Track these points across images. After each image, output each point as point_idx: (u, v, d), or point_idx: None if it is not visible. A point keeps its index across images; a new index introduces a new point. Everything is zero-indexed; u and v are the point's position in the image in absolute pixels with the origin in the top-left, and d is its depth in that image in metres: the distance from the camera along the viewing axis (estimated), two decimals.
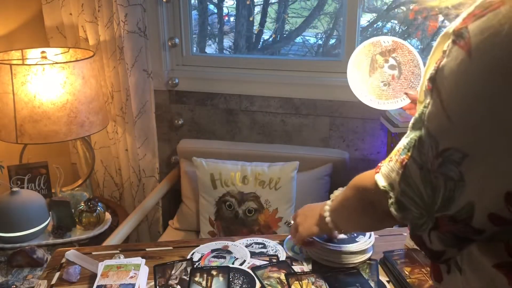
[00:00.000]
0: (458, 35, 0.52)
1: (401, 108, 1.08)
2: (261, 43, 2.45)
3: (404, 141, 0.64)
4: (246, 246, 1.23)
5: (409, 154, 0.62)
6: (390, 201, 0.68)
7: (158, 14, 2.09)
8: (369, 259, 1.13)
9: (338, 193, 1.00)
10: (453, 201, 0.56)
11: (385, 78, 1.08)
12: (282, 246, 1.22)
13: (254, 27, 2.39)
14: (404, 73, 1.07)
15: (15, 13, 2.07)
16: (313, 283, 1.05)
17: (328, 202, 1.00)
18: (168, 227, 2.09)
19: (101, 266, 1.07)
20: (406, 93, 1.05)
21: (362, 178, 0.84)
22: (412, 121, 0.62)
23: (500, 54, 0.48)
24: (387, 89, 1.07)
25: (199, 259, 1.17)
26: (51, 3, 2.06)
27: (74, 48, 2.01)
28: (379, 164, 0.73)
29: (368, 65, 1.09)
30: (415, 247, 1.15)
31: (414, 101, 1.04)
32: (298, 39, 2.39)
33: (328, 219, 0.99)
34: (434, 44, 0.61)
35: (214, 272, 1.09)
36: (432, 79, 0.56)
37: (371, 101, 1.07)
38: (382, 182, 0.70)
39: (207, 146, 2.12)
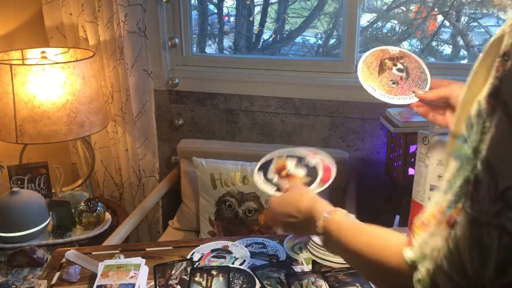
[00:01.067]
0: None
1: (409, 104, 1.09)
2: (261, 43, 2.45)
3: (445, 197, 0.51)
4: (246, 246, 1.23)
5: (460, 206, 0.49)
6: (417, 277, 0.54)
7: (158, 14, 2.08)
8: None
9: (340, 215, 0.82)
10: (511, 262, 0.47)
11: (393, 78, 1.10)
12: (282, 246, 1.22)
13: (254, 27, 2.39)
14: (412, 76, 1.10)
15: (15, 13, 2.07)
16: (313, 283, 1.05)
17: (322, 219, 0.82)
18: (168, 227, 2.09)
19: (101, 266, 1.08)
20: (414, 91, 1.06)
21: (387, 249, 0.63)
22: (454, 153, 0.51)
23: None
24: (396, 86, 1.09)
25: (199, 259, 1.17)
26: (51, 3, 2.06)
27: (74, 48, 2.01)
28: (412, 232, 0.57)
29: (377, 66, 1.12)
30: None
31: (421, 100, 1.05)
32: (298, 39, 2.39)
33: (321, 238, 0.83)
34: (481, 54, 0.52)
35: (214, 272, 1.09)
36: (495, 93, 0.46)
37: (381, 95, 1.08)
38: (410, 255, 0.56)
39: (207, 146, 2.12)
